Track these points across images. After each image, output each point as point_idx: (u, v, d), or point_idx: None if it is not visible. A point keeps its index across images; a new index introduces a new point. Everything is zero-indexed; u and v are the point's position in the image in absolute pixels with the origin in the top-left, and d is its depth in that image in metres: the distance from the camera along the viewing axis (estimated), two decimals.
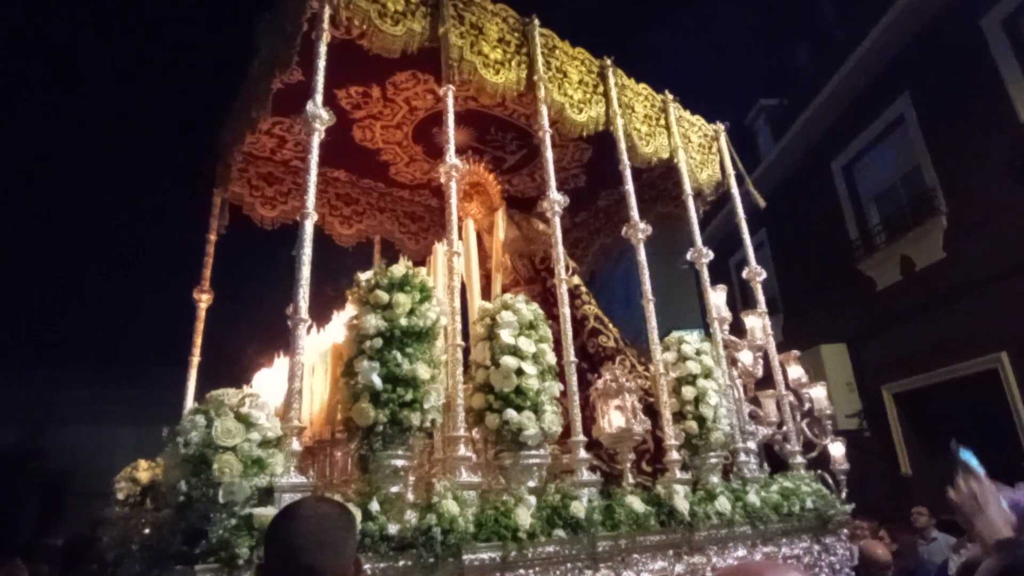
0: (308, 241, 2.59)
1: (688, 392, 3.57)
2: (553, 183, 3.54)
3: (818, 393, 4.86)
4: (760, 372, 4.60)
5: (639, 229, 3.92)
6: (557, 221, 3.49)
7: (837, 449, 4.77)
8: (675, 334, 3.84)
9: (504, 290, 4.25)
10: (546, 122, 3.66)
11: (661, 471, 3.49)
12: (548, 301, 3.76)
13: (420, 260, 3.40)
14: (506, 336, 2.73)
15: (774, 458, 4.60)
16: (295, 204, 4.84)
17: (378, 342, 2.37)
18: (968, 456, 1.83)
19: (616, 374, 3.29)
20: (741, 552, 3.44)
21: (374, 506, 2.15)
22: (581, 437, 3.01)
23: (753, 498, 3.56)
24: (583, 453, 3.00)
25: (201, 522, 1.92)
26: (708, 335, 4.20)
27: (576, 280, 4.65)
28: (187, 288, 4.28)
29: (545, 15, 3.90)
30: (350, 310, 2.64)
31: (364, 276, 2.58)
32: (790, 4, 13.90)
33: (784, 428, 4.48)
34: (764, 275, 4.95)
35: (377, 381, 2.29)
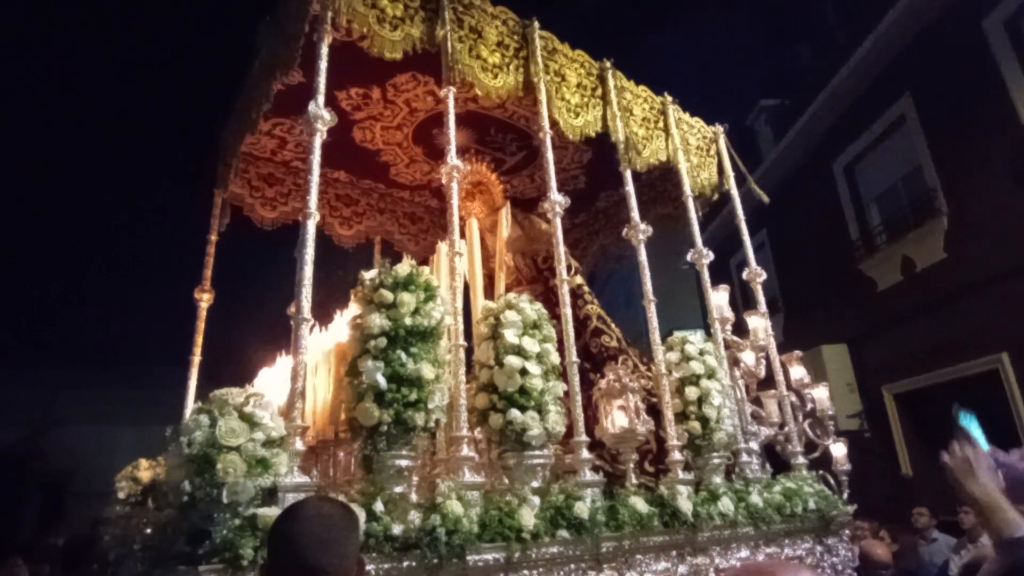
0: (310, 241, 2.58)
1: (691, 392, 3.56)
2: (554, 184, 3.55)
3: (820, 394, 4.85)
4: (763, 372, 4.60)
5: (640, 230, 3.92)
6: (558, 222, 3.49)
7: (839, 450, 4.77)
8: (678, 334, 3.83)
9: (507, 289, 4.25)
10: (547, 124, 3.67)
11: (663, 471, 3.49)
12: (550, 301, 3.76)
13: (421, 261, 3.39)
14: (510, 336, 2.73)
15: (776, 459, 4.59)
16: (295, 205, 4.84)
17: (382, 341, 2.36)
18: (969, 420, 1.83)
19: (619, 374, 3.28)
20: (744, 553, 3.43)
21: (378, 506, 2.14)
22: (584, 437, 3.00)
23: (756, 499, 3.56)
24: (586, 453, 2.99)
25: (205, 522, 1.91)
26: (709, 335, 4.20)
27: (579, 280, 4.65)
28: (188, 288, 4.28)
29: (546, 16, 3.90)
30: (353, 309, 2.64)
31: (368, 275, 2.58)
32: (791, 5, 13.91)
33: (786, 429, 4.47)
34: (764, 276, 4.95)
35: (381, 381, 2.28)
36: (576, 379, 3.08)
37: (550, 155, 3.62)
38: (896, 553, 5.46)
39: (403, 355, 2.35)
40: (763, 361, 4.62)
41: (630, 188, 4.03)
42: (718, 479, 3.58)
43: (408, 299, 2.44)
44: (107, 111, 14.90)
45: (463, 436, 2.63)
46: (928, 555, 5.89)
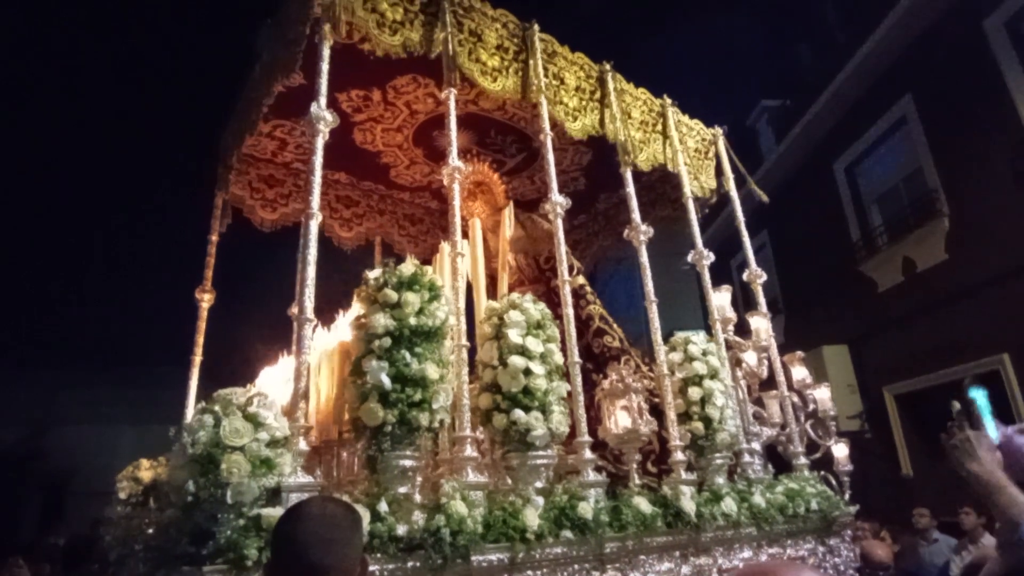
0: (313, 241, 2.58)
1: (694, 393, 3.57)
2: (555, 185, 3.55)
3: (822, 394, 4.85)
4: (765, 373, 4.59)
5: (641, 231, 3.92)
6: (559, 223, 3.50)
7: (840, 450, 4.77)
8: (681, 334, 3.83)
9: (509, 290, 4.25)
10: (547, 126, 3.67)
11: (666, 472, 3.49)
12: (553, 301, 3.75)
13: (422, 263, 3.40)
14: (514, 336, 2.73)
15: (777, 459, 4.59)
16: (296, 206, 4.84)
17: (387, 341, 2.35)
18: (978, 394, 1.82)
19: (622, 374, 3.28)
20: (747, 553, 3.43)
21: (383, 507, 2.14)
22: (587, 438, 3.00)
23: (758, 499, 3.56)
24: (589, 454, 2.99)
25: (209, 523, 1.90)
26: (710, 336, 4.20)
27: (581, 280, 4.65)
28: (188, 288, 4.27)
29: (546, 18, 3.90)
30: (356, 309, 2.64)
31: (372, 274, 2.57)
32: (792, 5, 13.91)
33: (787, 429, 4.47)
34: (764, 277, 4.95)
35: (386, 381, 2.28)
36: (579, 379, 3.08)
37: (551, 157, 3.63)
38: (897, 554, 5.46)
39: (407, 355, 2.35)
40: (765, 362, 4.62)
41: (631, 190, 4.04)
42: (721, 480, 3.58)
43: (412, 299, 2.43)
44: (107, 111, 14.90)
45: (466, 436, 2.63)
46: (929, 556, 5.89)
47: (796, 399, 4.67)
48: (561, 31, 4.02)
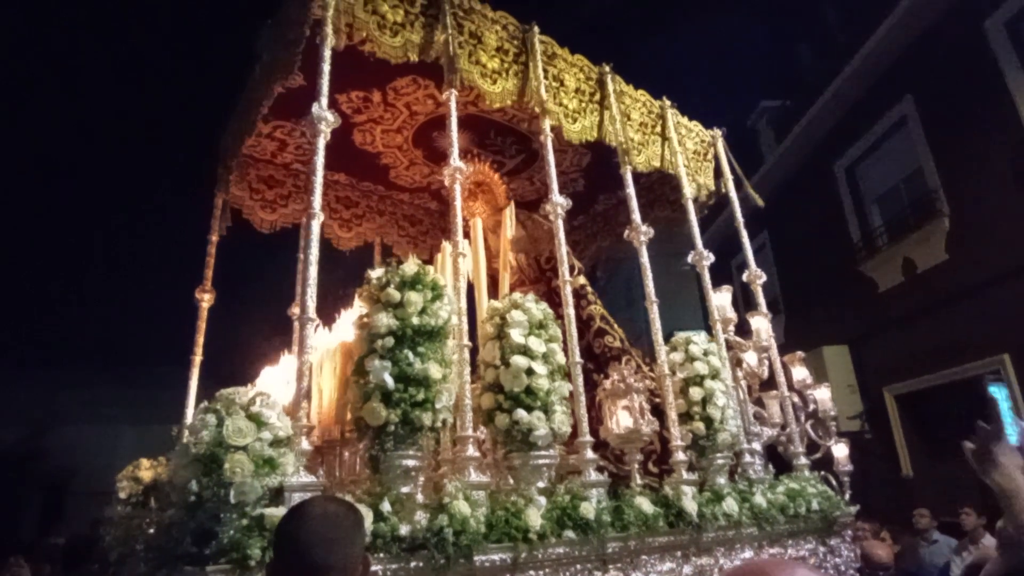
0: (315, 241, 2.59)
1: (695, 393, 3.57)
2: (555, 186, 3.56)
3: (822, 394, 4.85)
4: (765, 373, 4.60)
5: (641, 232, 3.92)
6: (560, 224, 3.50)
7: (840, 450, 4.78)
8: (682, 335, 3.84)
9: (510, 290, 4.25)
10: (547, 127, 3.67)
11: (667, 472, 3.49)
12: (553, 301, 3.75)
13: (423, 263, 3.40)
14: (516, 335, 2.73)
15: (778, 459, 4.59)
16: (295, 207, 4.85)
17: (390, 341, 2.35)
18: (999, 394, 1.81)
19: (624, 374, 3.28)
20: (748, 553, 3.43)
21: (385, 506, 2.13)
22: (588, 438, 3.00)
23: (760, 499, 3.56)
24: (591, 454, 2.99)
25: (212, 522, 1.90)
26: (710, 336, 4.20)
27: (581, 280, 4.65)
28: (188, 288, 4.27)
29: (546, 19, 3.90)
30: (357, 308, 2.64)
31: (375, 274, 2.58)
32: (792, 6, 13.91)
33: (788, 429, 4.48)
34: (764, 278, 4.96)
35: (389, 380, 2.28)
36: (580, 379, 3.08)
37: (551, 158, 3.64)
38: (897, 554, 5.46)
39: (410, 355, 2.35)
40: (766, 362, 4.62)
41: (631, 191, 4.04)
42: (722, 480, 3.59)
43: (415, 298, 2.44)
44: (107, 112, 14.90)
45: (468, 436, 2.63)
46: (929, 556, 5.89)
47: (796, 399, 4.67)
48: (560, 32, 4.03)
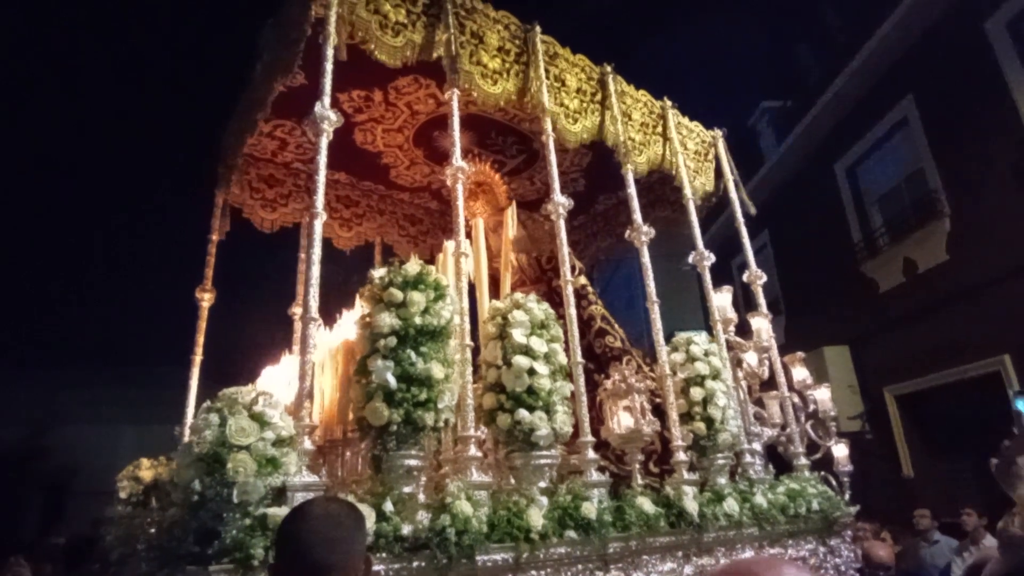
0: (318, 241, 2.59)
1: (696, 393, 3.57)
2: (557, 186, 3.55)
3: (822, 395, 4.86)
4: (766, 374, 4.60)
5: (642, 232, 3.92)
6: (562, 223, 3.50)
7: (840, 451, 4.78)
8: (683, 335, 3.84)
9: (511, 290, 4.25)
10: (549, 127, 3.67)
11: (668, 472, 3.49)
12: (554, 301, 3.76)
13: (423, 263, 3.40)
14: (518, 336, 2.73)
15: (778, 459, 4.59)
16: (295, 206, 4.86)
17: (392, 341, 2.36)
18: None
19: (625, 374, 3.28)
20: (748, 554, 3.43)
21: (388, 506, 2.14)
22: (590, 438, 3.01)
23: (760, 499, 3.57)
24: (592, 454, 2.99)
25: (214, 522, 1.90)
26: (711, 336, 4.20)
27: (582, 280, 4.65)
28: (188, 287, 4.28)
29: (546, 19, 3.90)
30: (359, 308, 2.64)
31: (378, 274, 2.58)
32: (793, 7, 13.90)
33: (788, 430, 4.48)
34: (764, 279, 4.96)
35: (392, 380, 2.28)
36: (582, 379, 3.08)
37: (553, 158, 3.64)
38: (898, 554, 5.46)
39: (413, 354, 2.35)
40: (766, 362, 4.63)
41: (632, 191, 4.05)
42: (723, 480, 3.59)
43: (418, 298, 2.44)
44: (107, 111, 14.88)
45: (470, 436, 2.63)
46: (929, 557, 5.89)
47: (796, 400, 4.67)
48: (560, 32, 4.03)
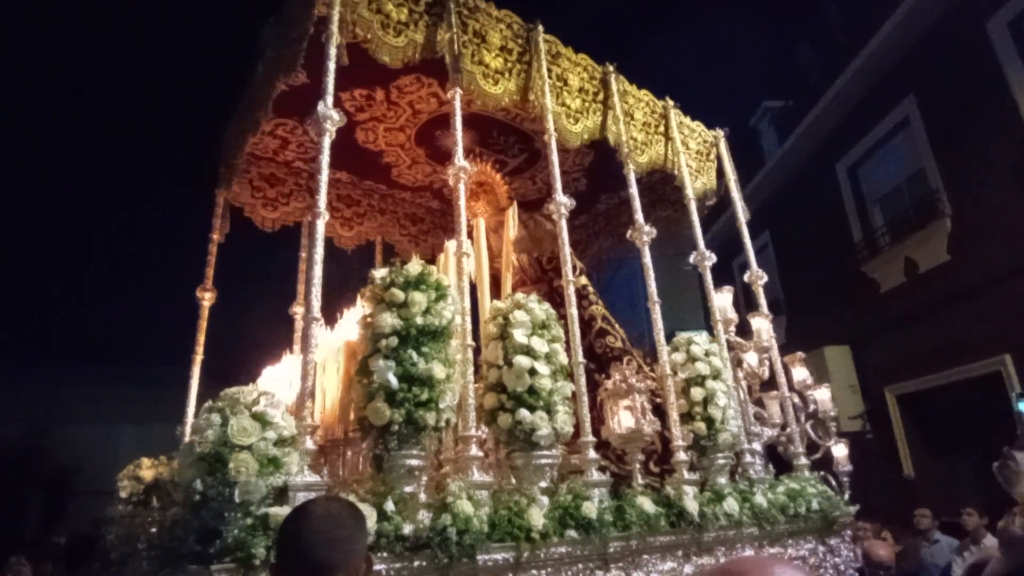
0: (320, 240, 2.59)
1: (697, 393, 3.57)
2: (559, 186, 3.55)
3: (822, 395, 4.86)
4: (766, 374, 4.61)
5: (644, 232, 3.92)
6: (564, 223, 3.50)
7: (840, 451, 4.78)
8: (684, 335, 3.84)
9: (512, 290, 4.25)
10: (551, 126, 3.67)
11: (668, 472, 3.49)
12: (555, 301, 3.76)
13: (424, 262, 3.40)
14: (519, 336, 2.73)
15: (778, 459, 4.60)
16: (296, 205, 4.87)
17: (394, 341, 2.36)
18: None
19: (625, 374, 3.28)
20: (748, 553, 3.43)
21: (389, 506, 2.14)
22: (591, 438, 3.01)
23: (760, 499, 3.57)
24: (593, 453, 3.00)
25: (216, 521, 1.91)
26: (711, 336, 4.20)
27: (583, 280, 4.65)
28: (189, 287, 4.28)
29: (547, 18, 3.89)
30: (359, 308, 2.64)
31: (379, 274, 2.58)
32: (795, 6, 13.90)
33: (788, 430, 4.48)
34: (765, 279, 4.96)
35: (393, 380, 2.28)
36: (583, 379, 3.08)
37: (555, 157, 3.64)
38: (899, 554, 5.46)
39: (414, 354, 2.36)
40: (766, 362, 4.63)
41: (634, 191, 4.04)
42: (723, 480, 3.59)
43: (419, 298, 2.44)
44: (108, 111, 14.88)
45: (471, 436, 2.63)
46: (930, 556, 5.89)
47: (797, 400, 4.67)
48: (560, 32, 4.02)
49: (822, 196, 10.96)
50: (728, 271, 10.72)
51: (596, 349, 4.34)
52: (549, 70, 3.83)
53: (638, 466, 3.27)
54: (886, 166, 9.88)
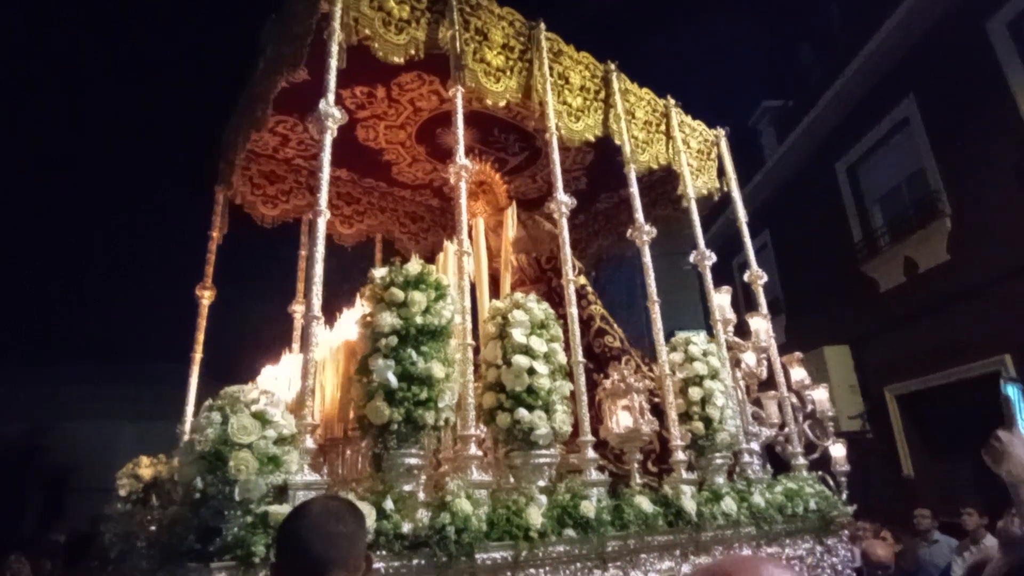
0: (321, 239, 2.59)
1: (695, 393, 3.58)
2: (560, 185, 3.55)
3: (820, 395, 4.87)
4: (764, 374, 4.61)
5: (644, 231, 3.92)
6: (564, 222, 3.50)
7: (838, 451, 4.79)
8: (682, 335, 3.85)
9: (511, 290, 4.25)
10: (553, 125, 3.67)
11: (666, 471, 3.50)
12: (554, 300, 3.77)
13: (424, 261, 3.40)
14: (518, 335, 2.74)
15: (776, 459, 4.60)
16: (296, 202, 4.88)
17: (393, 340, 2.37)
18: (1014, 392, 1.84)
19: (624, 374, 3.29)
20: (746, 553, 3.44)
21: (388, 504, 2.15)
22: (589, 437, 3.01)
23: (758, 499, 3.57)
24: (592, 453, 3.00)
25: (216, 519, 1.91)
26: (711, 336, 4.21)
27: (582, 280, 4.65)
28: (189, 285, 4.29)
29: (548, 17, 3.89)
30: (359, 307, 2.64)
31: (379, 273, 2.58)
32: (795, 6, 13.90)
33: (786, 430, 4.49)
34: (765, 278, 4.96)
35: (392, 379, 2.29)
36: (582, 379, 3.08)
37: (556, 156, 3.64)
38: (898, 554, 5.47)
39: (414, 354, 2.37)
40: (764, 362, 4.64)
41: (634, 190, 4.04)
42: (721, 479, 3.60)
43: (419, 298, 2.45)
44: (107, 110, 14.89)
45: (470, 435, 2.64)
46: (929, 556, 5.89)
47: (794, 400, 4.68)
48: (562, 32, 4.02)
49: (822, 196, 10.96)
50: (728, 270, 10.73)
51: (595, 349, 4.34)
52: (551, 68, 3.83)
53: (636, 465, 3.27)
54: (886, 166, 9.88)
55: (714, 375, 3.68)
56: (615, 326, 4.55)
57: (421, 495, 2.35)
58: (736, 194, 5.15)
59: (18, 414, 11.82)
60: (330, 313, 3.40)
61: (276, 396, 2.15)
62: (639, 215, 3.98)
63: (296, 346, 4.43)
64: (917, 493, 8.15)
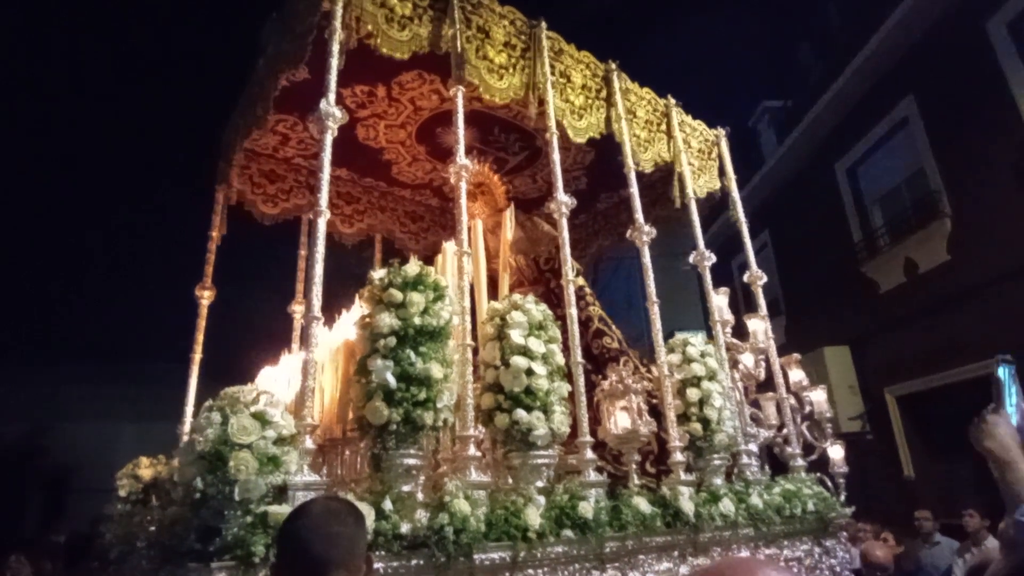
0: (322, 239, 2.59)
1: (693, 394, 3.58)
2: (560, 185, 3.56)
3: (818, 396, 4.88)
4: (762, 375, 4.62)
5: (644, 232, 3.93)
6: (564, 223, 3.50)
7: (836, 452, 4.80)
8: (680, 336, 3.85)
9: (510, 291, 4.26)
10: (553, 125, 3.67)
11: (665, 472, 3.50)
12: (552, 302, 3.77)
13: (423, 260, 3.41)
14: (516, 336, 2.74)
15: (774, 460, 4.61)
16: (296, 201, 4.88)
17: (392, 341, 2.37)
18: (1006, 372, 1.83)
19: (622, 375, 3.29)
20: (744, 554, 3.44)
21: (387, 505, 2.15)
22: (588, 438, 3.02)
23: (756, 500, 3.57)
24: (590, 454, 3.00)
25: (215, 519, 1.92)
26: (710, 337, 4.21)
27: (581, 281, 4.65)
28: (188, 285, 4.29)
29: (548, 16, 3.90)
30: (358, 308, 2.65)
31: (377, 274, 2.59)
32: (794, 6, 13.91)
33: (784, 431, 4.49)
34: (765, 279, 4.96)
35: (391, 380, 2.30)
36: (581, 380, 3.09)
37: (556, 156, 3.64)
38: (899, 555, 5.47)
39: (412, 354, 2.37)
40: (762, 363, 4.64)
41: (634, 190, 4.04)
42: (719, 480, 3.60)
43: (418, 299, 2.45)
44: (107, 110, 14.89)
45: (469, 435, 2.64)
46: (930, 558, 5.88)
47: (793, 401, 4.68)
48: (561, 31, 4.03)
49: (821, 196, 10.96)
50: (727, 271, 10.73)
51: (593, 350, 4.34)
52: (552, 66, 3.84)
53: (634, 466, 3.28)
54: (886, 166, 9.88)
55: (712, 376, 3.69)
56: (613, 327, 4.55)
57: (420, 495, 2.36)
58: (737, 194, 5.15)
59: (18, 414, 11.82)
60: (329, 312, 3.42)
61: (276, 396, 2.16)
62: (639, 215, 3.98)
63: (296, 346, 4.43)
64: (917, 494, 8.15)
